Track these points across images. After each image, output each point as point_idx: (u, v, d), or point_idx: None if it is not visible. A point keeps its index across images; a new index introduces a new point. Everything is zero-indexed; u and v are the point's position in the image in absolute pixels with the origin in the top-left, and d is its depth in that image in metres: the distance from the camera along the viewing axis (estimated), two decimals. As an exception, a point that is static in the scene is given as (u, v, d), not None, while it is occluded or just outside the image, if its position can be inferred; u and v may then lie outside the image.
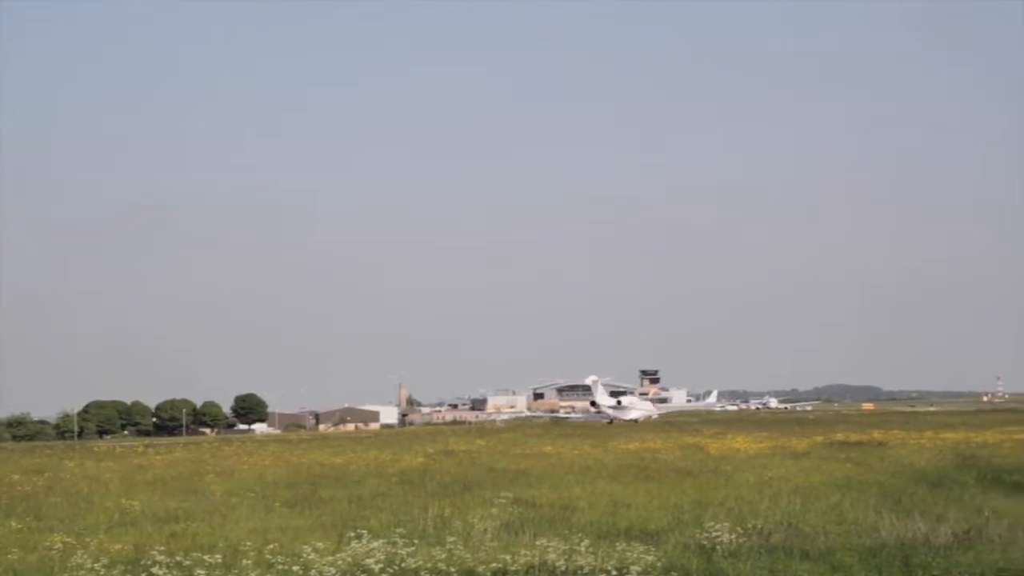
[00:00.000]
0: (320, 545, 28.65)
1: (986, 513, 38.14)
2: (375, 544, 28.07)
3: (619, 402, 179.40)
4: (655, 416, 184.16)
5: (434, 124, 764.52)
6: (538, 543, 28.29)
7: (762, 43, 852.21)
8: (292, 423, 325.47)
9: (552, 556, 26.55)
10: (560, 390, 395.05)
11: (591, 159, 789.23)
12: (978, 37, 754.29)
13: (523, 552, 27.18)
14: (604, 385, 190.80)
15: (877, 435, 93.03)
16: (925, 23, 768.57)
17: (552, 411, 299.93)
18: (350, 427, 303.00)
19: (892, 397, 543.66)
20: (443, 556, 27.10)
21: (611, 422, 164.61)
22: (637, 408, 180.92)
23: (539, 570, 25.91)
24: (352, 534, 30.66)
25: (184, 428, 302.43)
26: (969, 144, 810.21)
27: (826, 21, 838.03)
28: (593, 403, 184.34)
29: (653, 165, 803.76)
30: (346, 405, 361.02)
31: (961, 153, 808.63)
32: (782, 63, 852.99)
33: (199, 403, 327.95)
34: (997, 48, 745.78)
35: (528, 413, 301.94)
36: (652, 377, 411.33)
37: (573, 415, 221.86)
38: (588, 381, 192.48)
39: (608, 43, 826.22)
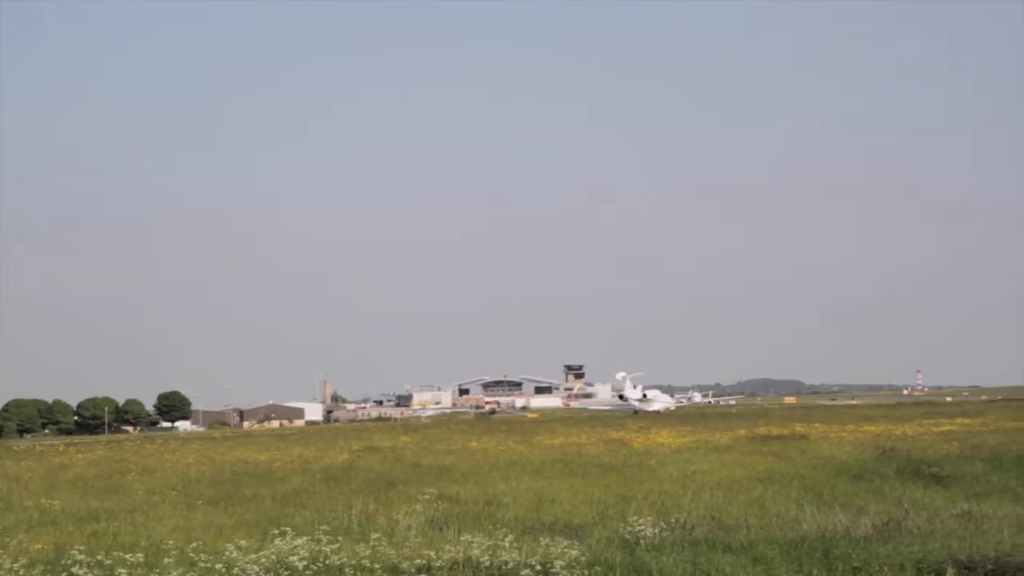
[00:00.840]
0: (243, 543, 28.48)
1: (905, 505, 38.68)
2: (299, 541, 27.94)
3: (645, 395, 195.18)
4: (672, 408, 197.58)
5: (350, 127, 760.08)
6: (462, 539, 28.28)
7: (680, 36, 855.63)
8: (216, 420, 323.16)
9: (476, 552, 26.57)
10: (485, 386, 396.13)
11: (507, 158, 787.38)
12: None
13: (447, 548, 27.20)
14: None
15: (799, 428, 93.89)
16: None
17: (477, 406, 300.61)
18: (275, 424, 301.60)
19: (814, 391, 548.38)
20: (367, 553, 27.04)
21: (636, 412, 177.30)
22: (660, 401, 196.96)
23: (463, 566, 25.91)
24: (276, 531, 30.48)
25: (106, 426, 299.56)
26: (881, 141, 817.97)
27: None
28: (621, 396, 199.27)
29: (576, 166, 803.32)
30: (271, 402, 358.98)
31: (873, 147, 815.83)
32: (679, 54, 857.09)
33: (121, 401, 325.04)
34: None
35: (454, 409, 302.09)
36: (577, 372, 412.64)
37: (602, 407, 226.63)
38: (618, 377, 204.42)
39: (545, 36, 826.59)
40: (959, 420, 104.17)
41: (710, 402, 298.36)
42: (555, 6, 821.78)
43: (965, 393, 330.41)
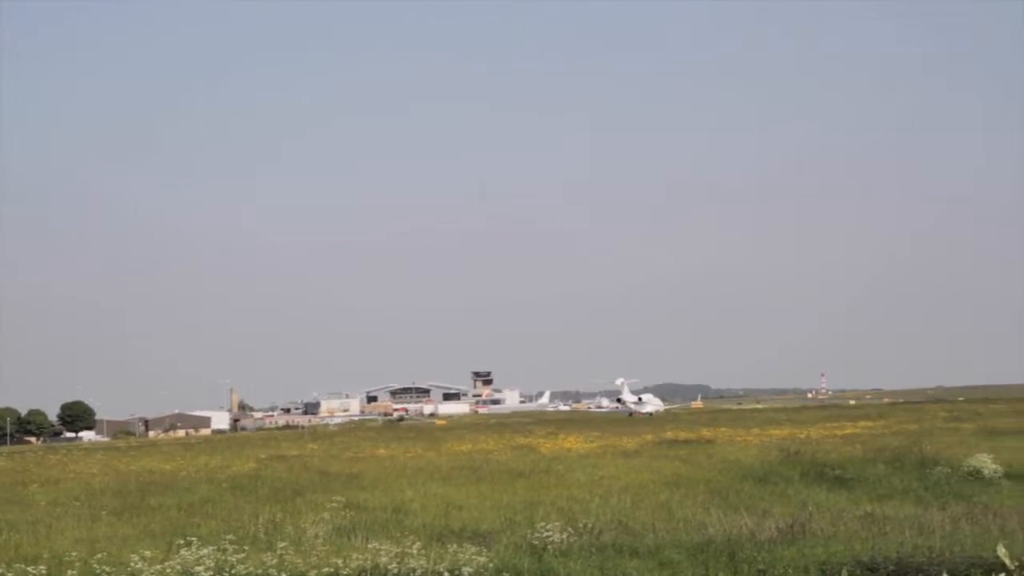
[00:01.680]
0: (148, 553, 28.19)
1: (810, 507, 39.10)
2: (205, 551, 27.69)
3: (640, 399, 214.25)
4: (662, 410, 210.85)
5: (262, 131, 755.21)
6: (370, 546, 28.23)
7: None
8: (121, 430, 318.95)
9: (384, 559, 26.50)
10: (394, 393, 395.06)
11: (415, 166, 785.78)
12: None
13: (355, 556, 27.09)
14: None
15: (706, 433, 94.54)
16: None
17: (385, 413, 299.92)
18: (181, 433, 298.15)
19: (721, 395, 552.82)
20: (274, 562, 26.89)
21: (631, 415, 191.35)
22: (652, 404, 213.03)
23: (371, 573, 25.83)
24: (181, 541, 30.20)
25: (8, 437, 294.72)
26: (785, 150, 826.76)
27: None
28: (619, 399, 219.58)
29: (481, 171, 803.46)
30: (176, 411, 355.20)
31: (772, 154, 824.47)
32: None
33: (23, 411, 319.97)
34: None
35: (362, 416, 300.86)
36: (485, 379, 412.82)
37: (599, 408, 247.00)
38: (617, 383, 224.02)
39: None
40: (862, 423, 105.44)
41: (616, 408, 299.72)
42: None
43: (868, 396, 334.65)
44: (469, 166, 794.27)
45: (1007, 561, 5.04)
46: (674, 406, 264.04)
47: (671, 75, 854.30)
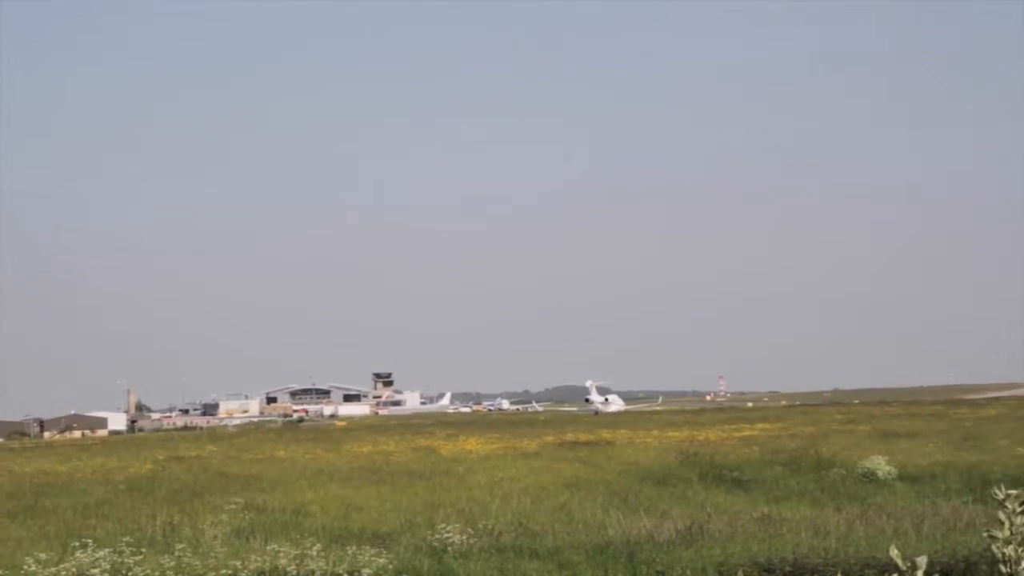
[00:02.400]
0: (43, 556, 27.78)
1: (708, 509, 39.47)
2: (101, 553, 27.37)
3: (606, 399, 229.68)
4: (623, 409, 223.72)
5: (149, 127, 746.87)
6: (269, 548, 28.09)
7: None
8: (15, 431, 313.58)
9: (283, 561, 26.39)
10: (294, 394, 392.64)
11: (309, 167, 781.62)
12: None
13: (254, 558, 26.95)
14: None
15: (606, 434, 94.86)
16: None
17: (285, 415, 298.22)
18: (77, 434, 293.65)
19: (624, 398, 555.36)
20: (171, 564, 26.66)
21: (596, 413, 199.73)
22: (616, 404, 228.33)
23: (270, 575, 25.70)
24: (77, 544, 29.80)
25: None
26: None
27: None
28: (587, 399, 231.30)
29: (378, 174, 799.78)
30: (72, 412, 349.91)
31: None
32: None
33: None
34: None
35: (261, 417, 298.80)
36: (386, 380, 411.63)
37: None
38: (587, 384, 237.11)
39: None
40: (760, 425, 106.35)
41: (518, 409, 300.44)
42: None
43: (765, 399, 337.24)
44: (368, 168, 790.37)
45: (899, 562, 5.12)
46: (637, 406, 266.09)
47: (577, 76, 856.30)
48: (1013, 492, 5.38)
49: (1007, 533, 5.21)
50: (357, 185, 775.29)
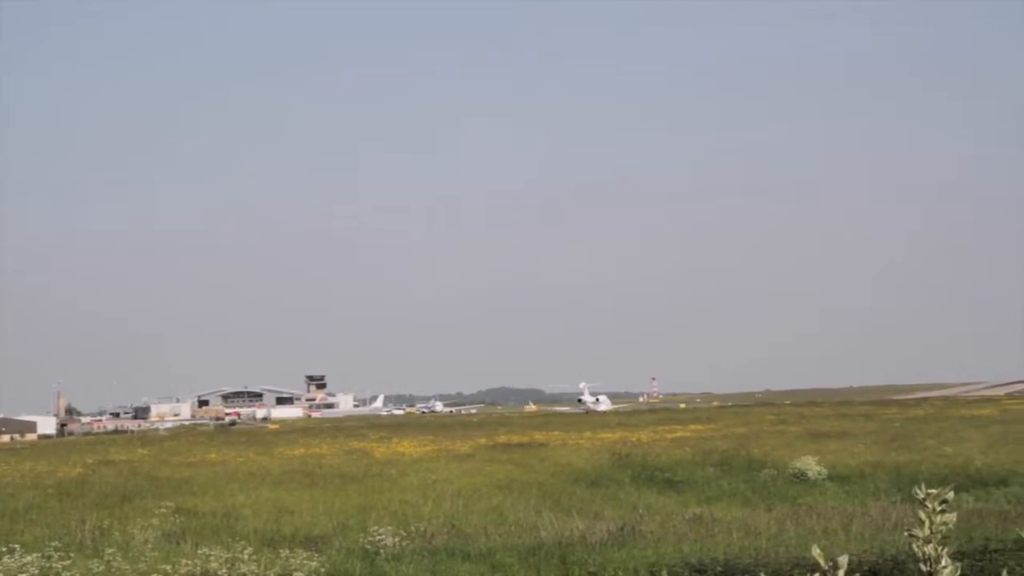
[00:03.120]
0: (-31, 562, 27.49)
1: (640, 510, 39.68)
2: (28, 559, 27.06)
3: (597, 399, 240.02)
4: (612, 408, 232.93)
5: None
6: (200, 552, 27.90)
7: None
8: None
9: (214, 565, 26.23)
10: (226, 397, 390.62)
11: (249, 168, 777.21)
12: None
13: (184, 562, 26.77)
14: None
15: (538, 436, 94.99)
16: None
17: (217, 418, 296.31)
18: (5, 438, 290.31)
19: (554, 399, 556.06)
20: (101, 569, 26.43)
21: (587, 412, 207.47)
22: (605, 404, 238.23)
23: (201, 579, 25.56)
24: (4, 549, 29.46)
25: None
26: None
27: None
28: (579, 400, 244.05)
29: (314, 176, 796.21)
30: (0, 415, 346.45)
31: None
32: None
33: None
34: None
35: (193, 420, 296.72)
36: (319, 382, 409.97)
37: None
38: (580, 386, 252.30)
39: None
40: (692, 426, 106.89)
41: (451, 411, 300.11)
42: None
43: (698, 400, 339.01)
44: (298, 170, 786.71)
45: (821, 561, 5.17)
46: (623, 405, 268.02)
47: (520, 82, 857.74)
48: (932, 491, 5.44)
49: (927, 532, 5.27)
50: (294, 187, 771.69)
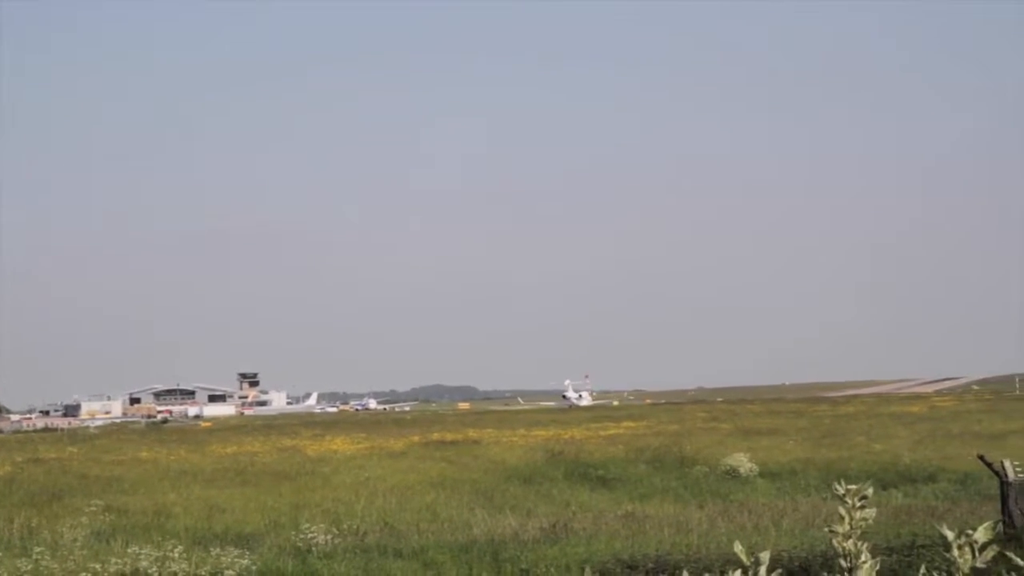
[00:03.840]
0: None
1: (573, 507, 39.89)
2: (-45, 558, 26.82)
3: (580, 395, 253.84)
4: (593, 404, 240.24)
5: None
6: (130, 551, 27.71)
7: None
8: None
9: (144, 563, 26.07)
10: (157, 394, 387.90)
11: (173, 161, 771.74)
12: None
13: (114, 560, 26.57)
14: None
15: (472, 434, 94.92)
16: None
17: (149, 416, 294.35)
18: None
19: (488, 396, 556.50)
20: (29, 567, 26.20)
21: (571, 407, 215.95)
22: (587, 400, 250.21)
23: (131, 578, 25.40)
24: (-70, 548, 29.20)
25: None
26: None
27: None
28: (564, 395, 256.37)
29: (237, 169, 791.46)
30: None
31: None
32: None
33: None
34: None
35: (124, 418, 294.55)
36: (251, 380, 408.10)
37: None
38: (565, 383, 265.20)
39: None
40: (625, 423, 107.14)
41: (385, 409, 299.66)
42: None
43: (630, 397, 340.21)
44: (229, 163, 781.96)
45: (743, 557, 5.24)
46: (603, 400, 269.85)
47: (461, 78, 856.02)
48: (852, 487, 5.52)
49: (847, 528, 5.34)
50: (227, 184, 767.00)
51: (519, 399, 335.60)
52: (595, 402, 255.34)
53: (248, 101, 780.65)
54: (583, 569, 26.37)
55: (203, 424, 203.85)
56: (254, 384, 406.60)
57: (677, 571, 25.84)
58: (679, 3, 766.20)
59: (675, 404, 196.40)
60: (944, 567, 5.45)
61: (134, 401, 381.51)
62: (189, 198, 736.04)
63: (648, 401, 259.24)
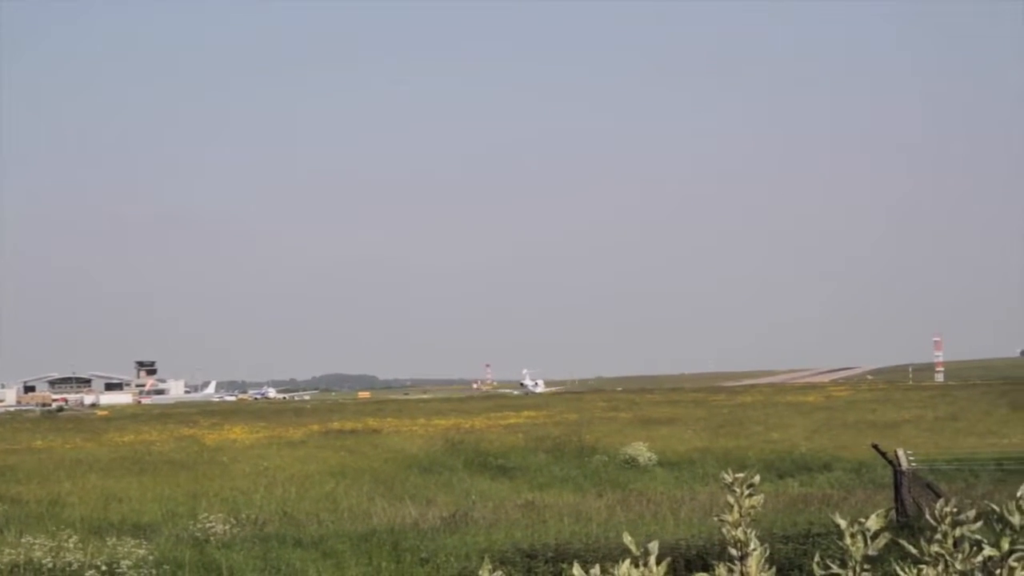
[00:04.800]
0: None
1: (473, 496, 39.98)
2: None
3: (536, 383, 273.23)
4: (546, 391, 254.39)
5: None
6: (23, 541, 27.36)
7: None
8: None
9: (39, 554, 25.76)
10: (53, 382, 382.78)
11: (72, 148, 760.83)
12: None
13: (7, 551, 26.24)
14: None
15: (372, 423, 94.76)
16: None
17: (44, 404, 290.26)
18: None
19: (388, 386, 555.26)
20: (-81, 559, 25.80)
21: (527, 394, 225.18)
22: (541, 387, 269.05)
23: (24, 568, 25.08)
24: None
25: None
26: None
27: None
28: (522, 384, 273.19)
29: (140, 158, 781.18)
30: None
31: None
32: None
33: None
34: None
35: (18, 407, 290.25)
36: (149, 368, 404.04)
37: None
38: (523, 372, 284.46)
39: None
40: (525, 413, 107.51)
41: (284, 397, 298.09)
42: None
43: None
44: (126, 150, 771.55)
45: (632, 548, 5.31)
46: (557, 387, 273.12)
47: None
48: (740, 475, 5.60)
49: (735, 516, 5.43)
50: (122, 167, 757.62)
51: (407, 392, 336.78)
52: (548, 389, 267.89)
53: (140, 87, 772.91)
54: (483, 558, 26.50)
55: (100, 413, 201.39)
56: (152, 373, 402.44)
57: (576, 559, 26.09)
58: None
59: (575, 393, 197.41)
60: (838, 555, 5.56)
61: (28, 389, 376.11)
62: (86, 183, 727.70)
63: (549, 390, 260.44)
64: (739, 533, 5.30)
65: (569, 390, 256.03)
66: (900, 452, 31.81)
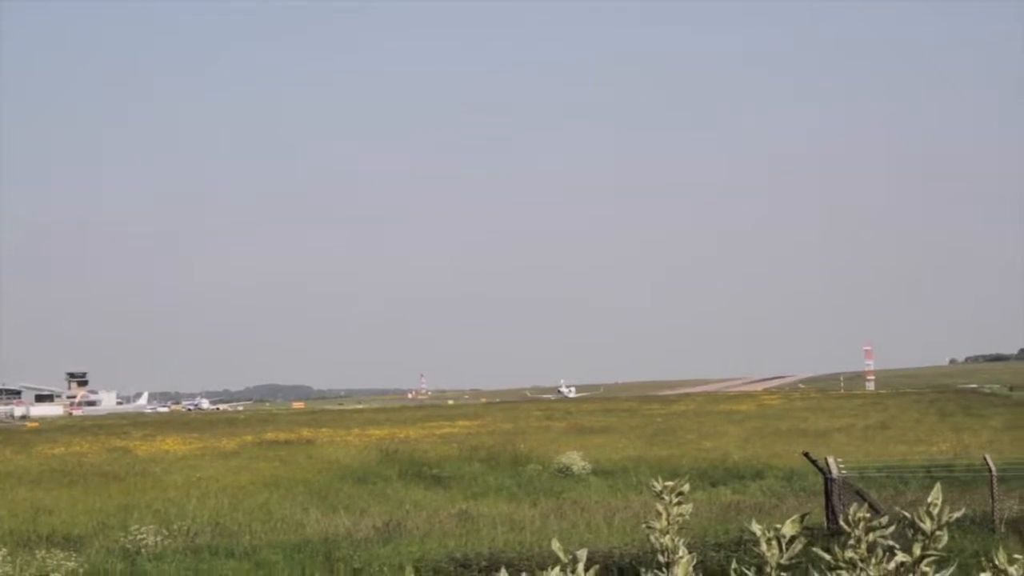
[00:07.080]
0: None
1: (407, 506, 39.89)
2: None
3: (571, 389, 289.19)
4: (577, 396, 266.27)
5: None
6: (-50, 555, 27.07)
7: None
8: None
9: (-34, 567, 25.51)
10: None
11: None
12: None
13: (-69, 566, 25.96)
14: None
15: (306, 433, 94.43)
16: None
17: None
18: None
19: (323, 396, 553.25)
20: None
21: (563, 399, 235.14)
22: (574, 393, 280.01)
23: (-49, 583, 24.83)
24: None
25: None
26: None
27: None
28: (559, 390, 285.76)
29: (67, 168, 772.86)
30: None
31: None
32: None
33: None
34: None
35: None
36: (80, 380, 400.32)
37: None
38: (560, 382, 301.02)
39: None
40: (460, 422, 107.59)
41: (217, 408, 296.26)
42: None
43: (466, 396, 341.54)
44: (55, 160, 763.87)
45: (561, 555, 5.34)
46: (589, 392, 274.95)
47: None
48: (670, 483, 5.66)
49: (664, 524, 5.47)
50: (50, 180, 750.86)
51: (341, 402, 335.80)
52: (580, 395, 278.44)
53: (70, 99, 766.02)
54: (417, 569, 26.48)
55: (29, 424, 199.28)
56: (83, 384, 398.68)
57: (510, 568, 26.11)
58: None
59: (510, 403, 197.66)
60: (754, 562, 5.62)
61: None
62: (16, 192, 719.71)
63: (484, 400, 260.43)
64: (667, 541, 5.34)
65: (593, 395, 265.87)
66: (831, 460, 32.11)
